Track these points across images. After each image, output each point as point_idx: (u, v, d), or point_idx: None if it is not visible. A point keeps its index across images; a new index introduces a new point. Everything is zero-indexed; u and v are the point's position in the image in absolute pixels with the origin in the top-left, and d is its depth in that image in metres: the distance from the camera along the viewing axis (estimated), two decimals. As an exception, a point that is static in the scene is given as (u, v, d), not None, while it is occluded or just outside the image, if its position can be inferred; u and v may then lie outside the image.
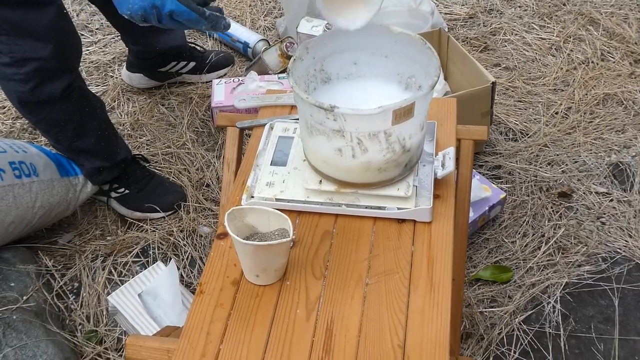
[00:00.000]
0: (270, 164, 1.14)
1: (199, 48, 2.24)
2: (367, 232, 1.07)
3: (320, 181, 1.08)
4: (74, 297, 1.61)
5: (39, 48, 1.47)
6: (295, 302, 0.98)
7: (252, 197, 1.10)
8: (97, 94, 2.18)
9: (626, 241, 1.69)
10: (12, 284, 1.50)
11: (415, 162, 1.08)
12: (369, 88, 1.13)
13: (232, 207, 1.03)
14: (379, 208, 1.07)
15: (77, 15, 2.56)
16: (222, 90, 2.06)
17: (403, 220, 1.07)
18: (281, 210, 1.07)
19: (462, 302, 1.42)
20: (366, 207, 1.07)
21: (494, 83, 1.75)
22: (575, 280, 1.60)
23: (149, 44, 2.04)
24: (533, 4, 2.45)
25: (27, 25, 1.44)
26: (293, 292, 0.99)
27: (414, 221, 1.07)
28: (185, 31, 2.23)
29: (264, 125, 1.24)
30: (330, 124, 0.97)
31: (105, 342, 1.50)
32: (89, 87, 2.19)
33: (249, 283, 1.00)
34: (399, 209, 1.06)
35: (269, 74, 2.16)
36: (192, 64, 2.19)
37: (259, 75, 2.13)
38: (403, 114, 0.96)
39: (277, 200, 1.09)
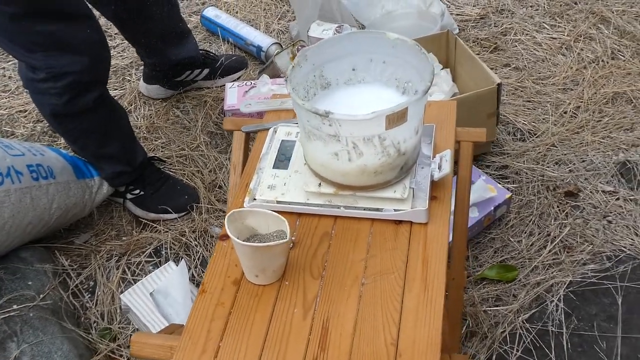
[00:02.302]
0: (273, 167, 1.18)
1: (211, 54, 2.29)
2: (364, 233, 1.10)
3: (320, 184, 1.11)
4: (89, 295, 1.67)
5: (75, 62, 1.52)
6: (293, 302, 1.01)
7: (255, 199, 1.14)
8: (115, 98, 2.25)
9: (632, 239, 1.70)
10: (30, 283, 1.56)
11: (411, 165, 1.11)
12: (367, 93, 1.16)
13: (233, 210, 1.07)
14: (377, 210, 1.10)
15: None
16: (235, 94, 2.10)
17: (400, 222, 1.10)
18: (282, 212, 1.11)
19: (462, 301, 1.45)
20: (364, 209, 1.11)
21: (499, 84, 1.77)
22: (580, 279, 1.62)
23: (162, 56, 2.10)
24: (544, 3, 2.46)
25: (64, 39, 1.49)
26: (291, 291, 1.03)
27: (411, 222, 1.10)
28: (198, 38, 2.28)
29: (268, 129, 1.28)
30: (326, 129, 1.01)
31: (118, 339, 1.56)
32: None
33: (249, 283, 1.04)
34: (395, 210, 1.09)
35: (281, 77, 2.20)
36: (206, 70, 2.24)
37: (271, 78, 2.17)
38: (396, 118, 1.00)
39: (278, 202, 1.13)
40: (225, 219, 1.00)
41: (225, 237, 1.11)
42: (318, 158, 1.08)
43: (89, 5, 1.58)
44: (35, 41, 1.48)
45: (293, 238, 1.10)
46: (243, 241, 1.01)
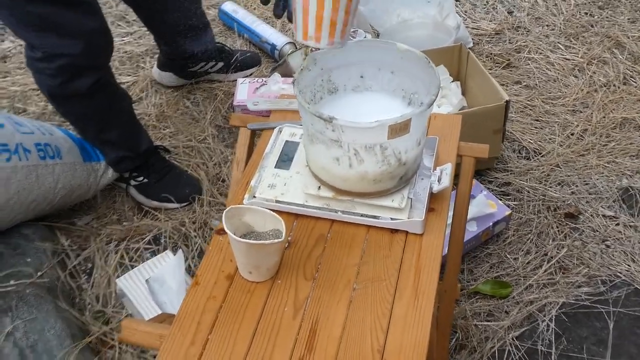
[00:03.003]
0: (275, 167, 1.19)
1: (227, 48, 2.30)
2: (360, 239, 1.11)
3: (319, 187, 1.13)
4: (85, 277, 1.69)
5: (70, 45, 1.53)
6: (284, 300, 1.03)
7: (254, 197, 1.15)
8: (127, 84, 2.27)
9: (628, 265, 1.70)
10: (29, 259, 1.58)
11: (411, 176, 1.13)
12: (373, 101, 1.18)
13: (231, 205, 1.09)
14: (373, 217, 1.11)
15: (117, 6, 2.64)
16: (246, 90, 2.12)
17: (396, 230, 1.12)
18: (280, 212, 1.12)
19: (453, 314, 1.46)
20: (361, 215, 1.12)
21: (507, 101, 1.78)
22: (573, 301, 1.63)
23: (179, 46, 2.11)
24: (561, 24, 2.47)
25: (57, 22, 1.50)
26: (283, 290, 1.04)
27: (407, 232, 1.11)
28: (215, 31, 2.30)
29: (273, 128, 1.29)
30: (329, 133, 1.02)
31: (111, 322, 1.58)
32: (119, 77, 2.29)
33: (242, 279, 1.06)
34: (392, 219, 1.11)
35: (293, 76, 2.21)
36: (220, 63, 2.26)
37: (282, 77, 2.19)
38: (399, 129, 1.01)
39: (277, 202, 1.14)
40: (223, 214, 1.01)
41: (222, 231, 1.12)
42: (319, 161, 1.10)
43: None
44: (29, 20, 1.49)
45: (289, 238, 1.11)
46: (239, 237, 1.02)
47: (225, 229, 1.00)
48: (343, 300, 1.03)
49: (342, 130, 1.00)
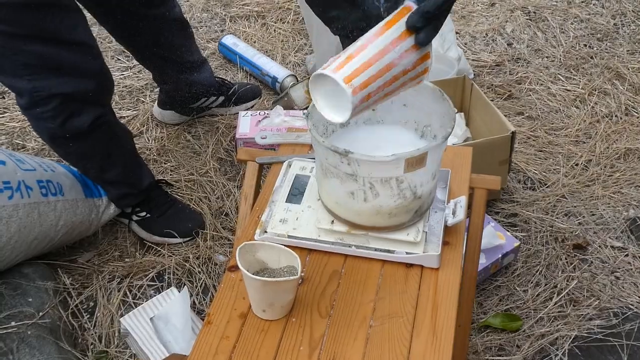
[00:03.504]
0: (285, 201, 1.17)
1: (226, 82, 2.30)
2: (375, 274, 1.09)
3: (332, 221, 1.11)
4: (88, 316, 1.65)
5: (66, 83, 1.50)
6: (299, 339, 1.00)
7: (266, 232, 1.13)
8: (127, 119, 2.26)
9: (639, 297, 1.68)
10: (30, 300, 1.54)
11: (426, 209, 1.11)
12: (386, 134, 1.16)
13: (245, 242, 1.06)
14: (388, 251, 1.09)
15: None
16: (248, 123, 2.11)
17: (411, 265, 1.09)
18: (292, 247, 1.10)
19: (467, 349, 1.43)
20: (375, 250, 1.10)
21: (513, 133, 1.77)
22: (585, 334, 1.60)
23: (179, 83, 2.11)
24: (561, 56, 2.48)
25: (56, 61, 1.48)
26: (298, 329, 1.01)
27: (422, 266, 1.09)
28: (215, 65, 2.29)
29: (282, 162, 1.28)
30: (344, 167, 1.00)
31: (114, 363, 1.54)
32: (119, 111, 2.28)
33: (255, 317, 1.03)
34: (407, 253, 1.09)
35: (295, 109, 2.21)
36: (221, 98, 2.25)
37: (284, 110, 2.18)
38: (415, 162, 0.99)
39: (289, 237, 1.12)
40: (237, 251, 0.99)
41: (234, 268, 1.10)
42: (333, 195, 1.08)
43: (90, 33, 1.57)
44: (23, 62, 1.45)
45: (302, 274, 1.09)
46: (253, 274, 1.00)
47: (239, 265, 0.97)
48: (360, 338, 1.00)
49: (358, 164, 0.99)
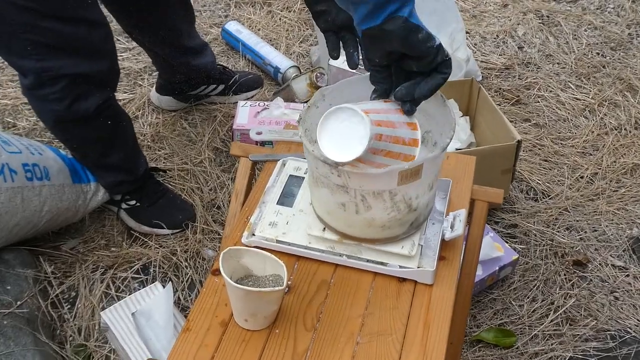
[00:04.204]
0: (277, 203, 1.12)
1: (227, 70, 2.23)
2: (365, 286, 1.03)
3: (324, 229, 1.05)
4: (68, 307, 1.60)
5: (76, 63, 1.46)
6: (281, 353, 0.95)
7: (254, 234, 1.08)
8: (124, 102, 2.20)
9: (638, 320, 1.63)
10: (9, 287, 1.49)
11: (422, 222, 1.05)
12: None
13: (230, 246, 1.01)
14: (381, 263, 1.04)
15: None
16: (246, 113, 2.05)
17: (404, 279, 1.04)
18: (281, 253, 1.05)
19: (458, 366, 1.38)
20: (367, 261, 1.04)
21: (519, 142, 1.71)
22: (581, 356, 1.55)
23: (180, 68, 2.04)
24: (572, 63, 2.41)
25: (69, 40, 1.43)
26: (281, 341, 0.96)
27: (415, 281, 1.04)
28: (217, 51, 2.23)
29: (277, 160, 1.22)
30: (335, 179, 0.95)
31: (93, 358, 1.48)
32: (116, 94, 2.21)
33: (237, 326, 0.98)
34: (400, 267, 1.03)
35: (296, 102, 2.15)
36: (221, 86, 2.19)
37: (285, 102, 2.12)
38: (409, 175, 0.93)
39: (278, 241, 1.06)
40: (220, 256, 0.93)
41: (218, 272, 1.04)
42: (324, 205, 1.02)
43: (103, 13, 1.53)
44: (33, 40, 1.41)
45: (289, 282, 1.03)
46: (236, 281, 0.94)
47: (222, 272, 0.92)
48: (345, 355, 0.95)
49: (349, 176, 0.93)
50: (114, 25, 2.49)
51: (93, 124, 1.58)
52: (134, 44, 2.46)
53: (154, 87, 2.19)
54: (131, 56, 2.42)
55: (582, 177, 1.98)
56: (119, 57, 2.36)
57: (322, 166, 0.93)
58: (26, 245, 1.65)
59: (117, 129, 1.65)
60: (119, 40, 2.47)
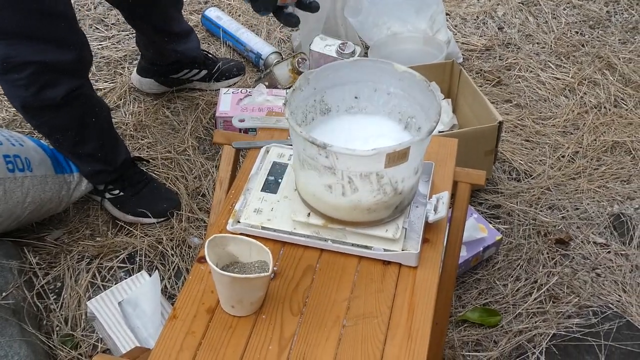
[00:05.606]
0: (261, 190, 1.12)
1: (210, 55, 2.22)
2: (351, 270, 1.04)
3: (309, 214, 1.06)
4: (54, 297, 1.60)
5: (42, 51, 1.45)
6: (268, 338, 0.95)
7: (239, 222, 1.08)
8: (104, 91, 2.18)
9: (619, 296, 1.65)
10: (-7, 279, 1.49)
11: (406, 205, 1.06)
12: (368, 123, 1.11)
13: (215, 233, 1.01)
14: (366, 247, 1.05)
15: (95, 8, 2.55)
16: (229, 100, 2.04)
17: (389, 262, 1.05)
18: (266, 239, 1.05)
19: (443, 345, 1.39)
20: (352, 245, 1.05)
21: (501, 123, 1.73)
22: (563, 332, 1.57)
23: (163, 51, 2.03)
24: (552, 42, 2.42)
25: (31, 28, 1.43)
26: (268, 326, 0.97)
27: (400, 264, 1.05)
28: (200, 38, 2.22)
29: (260, 147, 1.22)
30: (322, 160, 0.95)
31: (80, 347, 1.49)
32: (96, 83, 2.20)
33: (223, 312, 0.98)
34: (385, 250, 1.04)
35: (278, 88, 2.14)
36: (204, 71, 2.17)
37: (267, 88, 2.12)
38: (397, 157, 0.94)
39: (263, 228, 1.07)
40: (205, 244, 0.94)
41: (204, 259, 1.04)
42: (310, 187, 1.03)
43: (71, 5, 1.51)
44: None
45: (275, 268, 1.04)
46: (222, 268, 0.95)
47: (208, 260, 0.92)
48: (332, 338, 0.96)
49: (337, 158, 0.93)
50: (93, 13, 2.49)
51: (62, 112, 1.56)
52: (114, 31, 2.45)
53: (135, 69, 2.17)
54: (111, 45, 2.40)
55: (563, 156, 2.00)
56: (98, 46, 2.36)
57: (309, 147, 0.93)
58: (10, 236, 1.64)
59: (90, 117, 1.63)
60: (97, 28, 2.46)
